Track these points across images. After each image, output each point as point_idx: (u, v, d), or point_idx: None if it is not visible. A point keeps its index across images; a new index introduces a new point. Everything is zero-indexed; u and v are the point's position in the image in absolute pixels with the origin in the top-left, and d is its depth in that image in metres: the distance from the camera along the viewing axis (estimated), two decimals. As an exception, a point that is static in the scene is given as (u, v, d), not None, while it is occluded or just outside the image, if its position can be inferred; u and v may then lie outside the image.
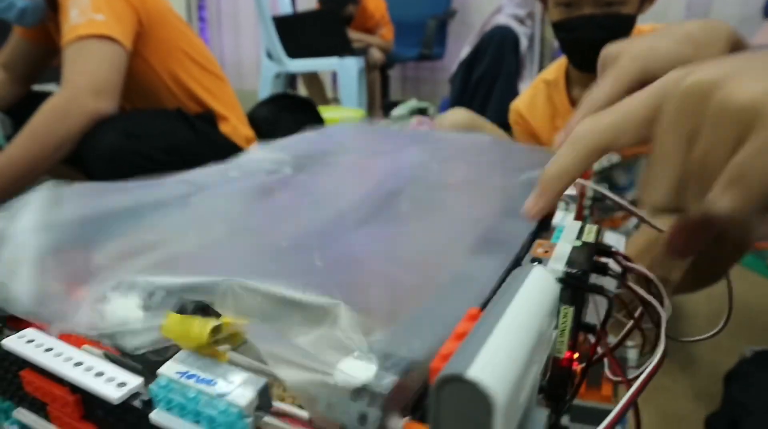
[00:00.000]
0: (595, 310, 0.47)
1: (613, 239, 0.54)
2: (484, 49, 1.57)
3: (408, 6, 2.86)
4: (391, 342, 0.26)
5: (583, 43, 0.98)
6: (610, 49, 0.40)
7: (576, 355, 0.37)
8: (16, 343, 0.30)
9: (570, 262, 0.31)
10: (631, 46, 0.39)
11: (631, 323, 0.41)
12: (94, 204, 0.44)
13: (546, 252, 0.40)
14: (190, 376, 0.24)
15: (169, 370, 0.25)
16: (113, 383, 0.26)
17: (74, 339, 0.31)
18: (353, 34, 2.41)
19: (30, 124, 0.99)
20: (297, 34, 2.16)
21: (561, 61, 1.14)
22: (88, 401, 0.28)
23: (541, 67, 1.61)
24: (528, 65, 1.59)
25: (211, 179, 0.54)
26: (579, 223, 0.43)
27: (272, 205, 0.47)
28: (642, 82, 0.36)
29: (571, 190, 0.53)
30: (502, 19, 1.60)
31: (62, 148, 1.01)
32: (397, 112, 2.02)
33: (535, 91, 1.15)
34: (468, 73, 1.61)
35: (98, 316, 0.30)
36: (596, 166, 0.53)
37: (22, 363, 0.30)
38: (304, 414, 0.23)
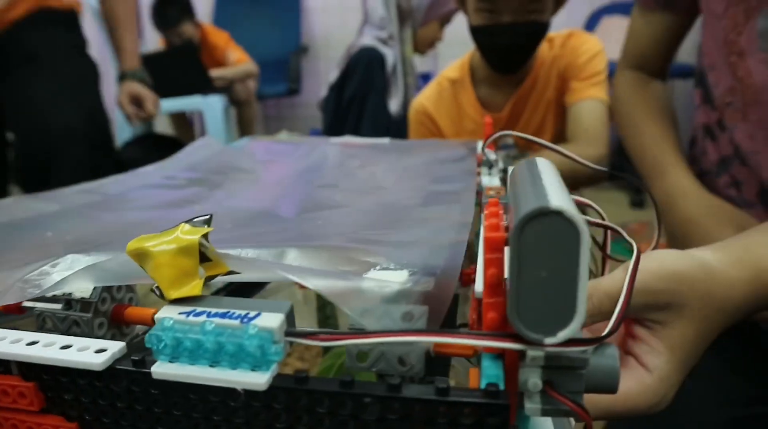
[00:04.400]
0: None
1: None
2: (353, 70, 1.61)
3: (263, 45, 2.87)
4: (406, 257, 0.25)
5: (502, 48, 1.01)
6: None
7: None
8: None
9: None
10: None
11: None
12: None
13: (498, 193, 0.41)
14: (198, 314, 0.21)
15: (169, 312, 0.21)
16: (89, 352, 0.22)
17: None
18: (214, 72, 2.35)
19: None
20: (154, 74, 2.05)
21: (463, 61, 1.13)
22: (49, 387, 0.23)
23: (406, 84, 1.68)
24: (394, 82, 1.66)
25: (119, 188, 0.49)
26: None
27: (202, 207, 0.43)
28: None
29: (492, 155, 0.56)
30: (367, 41, 1.65)
31: None
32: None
33: (440, 88, 1.14)
34: (339, 95, 1.64)
35: (36, 283, 0.25)
36: (501, 163, 0.57)
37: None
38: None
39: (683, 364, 0.32)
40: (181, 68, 2.14)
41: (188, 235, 0.23)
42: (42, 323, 0.26)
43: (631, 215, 1.95)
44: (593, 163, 1.06)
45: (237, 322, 0.20)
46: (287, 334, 0.20)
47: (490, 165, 0.55)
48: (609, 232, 0.37)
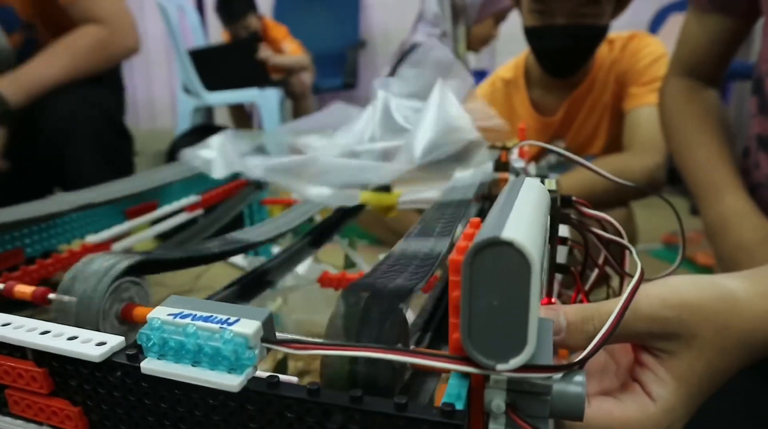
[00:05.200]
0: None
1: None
2: (405, 67, 1.62)
3: (321, 39, 2.92)
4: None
5: (553, 51, 0.98)
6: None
7: (554, 300, 0.37)
8: (-36, 323, 0.26)
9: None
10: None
11: (596, 270, 0.42)
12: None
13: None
14: (184, 316, 0.22)
15: (159, 313, 0.23)
16: (90, 344, 0.24)
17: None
18: (262, 54, 2.39)
19: (69, 46, 0.98)
20: (214, 66, 2.13)
21: (518, 60, 1.12)
22: (57, 373, 0.25)
23: (459, 83, 1.67)
24: (446, 80, 1.66)
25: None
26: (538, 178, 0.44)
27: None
28: None
29: (519, 163, 0.55)
30: (420, 38, 1.66)
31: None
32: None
33: (492, 88, 1.13)
34: (391, 91, 1.65)
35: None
36: (533, 171, 0.56)
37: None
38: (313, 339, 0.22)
39: (690, 396, 0.31)
40: (240, 61, 2.20)
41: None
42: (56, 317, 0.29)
43: (689, 223, 1.85)
44: (649, 171, 1.03)
45: (216, 326, 0.21)
46: (263, 340, 0.22)
47: (516, 173, 0.55)
48: (624, 249, 0.37)
